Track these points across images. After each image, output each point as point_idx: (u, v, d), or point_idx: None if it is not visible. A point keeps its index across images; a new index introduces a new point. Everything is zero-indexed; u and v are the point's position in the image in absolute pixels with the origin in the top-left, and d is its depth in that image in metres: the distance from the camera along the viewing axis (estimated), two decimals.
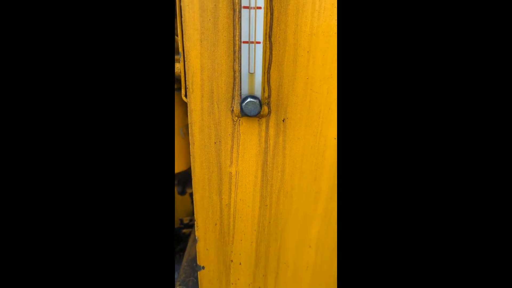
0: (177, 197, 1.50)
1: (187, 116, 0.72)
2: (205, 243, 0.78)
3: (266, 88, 0.60)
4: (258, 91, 0.58)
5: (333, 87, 0.62)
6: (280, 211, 0.74)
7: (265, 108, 0.62)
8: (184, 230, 1.52)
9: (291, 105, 0.63)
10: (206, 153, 0.66)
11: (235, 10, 0.53)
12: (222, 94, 0.60)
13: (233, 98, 0.61)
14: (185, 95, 0.63)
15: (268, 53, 0.57)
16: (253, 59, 0.54)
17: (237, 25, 0.54)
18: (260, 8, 0.51)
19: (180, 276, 1.03)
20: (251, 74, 0.56)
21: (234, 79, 0.59)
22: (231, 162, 0.68)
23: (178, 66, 0.74)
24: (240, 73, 0.56)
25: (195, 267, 1.04)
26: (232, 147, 0.66)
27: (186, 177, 1.47)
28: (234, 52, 0.56)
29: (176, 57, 0.77)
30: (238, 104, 0.59)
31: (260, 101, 0.57)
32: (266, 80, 0.59)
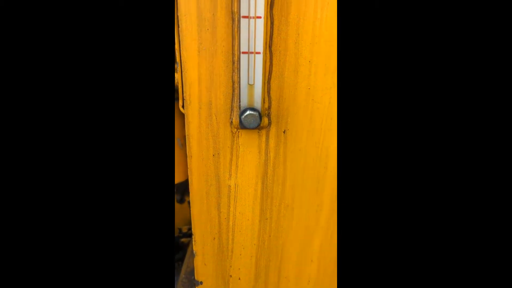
0: (176, 205, 1.48)
1: (183, 127, 0.70)
2: (203, 258, 0.75)
3: (266, 99, 0.58)
4: (258, 103, 0.56)
5: (335, 97, 0.60)
6: (281, 225, 0.72)
7: (265, 119, 0.59)
8: (183, 239, 1.49)
9: (292, 116, 0.60)
10: (204, 166, 0.64)
11: (234, 20, 0.51)
12: (220, 105, 0.58)
13: (232, 109, 0.58)
14: (183, 106, 0.61)
15: (268, 63, 0.55)
16: (253, 70, 0.52)
17: (236, 35, 0.52)
18: (260, 17, 0.49)
19: None
20: (251, 86, 0.54)
21: (233, 90, 0.57)
22: (230, 175, 0.65)
23: (176, 76, 0.72)
24: (239, 84, 0.54)
25: (193, 280, 1.02)
26: (231, 160, 0.64)
27: (185, 186, 1.44)
28: (233, 63, 0.54)
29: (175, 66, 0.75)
30: (237, 116, 0.57)
31: (259, 113, 0.55)
32: (266, 90, 0.57)
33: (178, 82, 0.62)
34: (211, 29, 0.53)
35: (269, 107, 0.59)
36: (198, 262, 0.75)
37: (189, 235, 1.51)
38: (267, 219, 0.71)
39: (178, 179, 0.92)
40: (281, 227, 0.72)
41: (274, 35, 0.54)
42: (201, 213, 0.69)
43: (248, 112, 0.54)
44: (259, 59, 0.52)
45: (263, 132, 0.62)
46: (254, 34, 0.50)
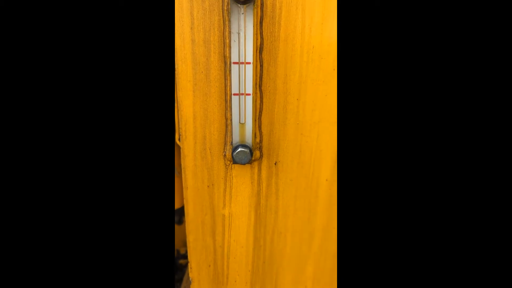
0: (175, 227, 1.49)
1: (179, 157, 0.74)
2: (199, 284, 0.76)
3: (258, 133, 0.62)
4: (249, 139, 0.59)
5: (323, 131, 0.63)
6: (275, 252, 0.73)
7: (257, 152, 0.63)
8: (181, 261, 1.50)
9: (283, 149, 0.64)
10: (199, 197, 0.67)
11: (226, 63, 0.56)
12: (214, 140, 0.62)
13: (225, 143, 0.62)
14: (179, 139, 0.65)
15: (259, 101, 0.59)
16: (244, 110, 0.56)
17: (228, 77, 0.56)
18: (249, 63, 0.53)
19: None
20: (242, 124, 0.57)
21: (226, 126, 0.60)
22: (224, 205, 0.68)
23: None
24: (232, 121, 0.58)
25: None
26: (225, 190, 0.67)
27: (183, 209, 1.46)
28: (226, 101, 0.58)
29: None
30: (230, 150, 0.61)
31: (251, 150, 0.59)
32: (257, 126, 0.61)
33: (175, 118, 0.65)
34: (205, 72, 0.57)
35: (261, 141, 0.63)
36: None
37: (187, 256, 1.52)
38: (261, 246, 0.73)
39: (176, 205, 0.94)
40: (275, 254, 0.74)
41: (264, 76, 0.58)
42: (196, 241, 0.71)
43: (239, 149, 0.57)
44: (249, 100, 0.56)
45: (256, 164, 0.65)
46: (244, 77, 0.54)
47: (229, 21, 0.53)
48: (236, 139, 0.59)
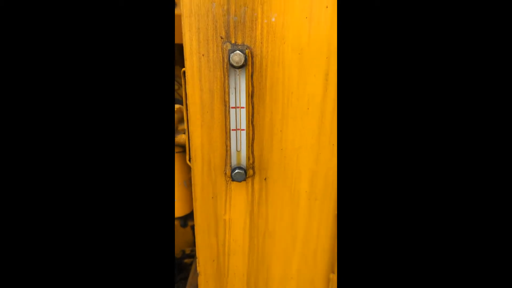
0: (180, 229, 1.66)
1: (187, 172, 0.91)
2: (205, 276, 0.94)
3: (251, 157, 0.80)
4: (243, 162, 0.77)
5: (301, 154, 0.81)
6: (266, 250, 0.91)
7: (251, 171, 0.81)
8: (186, 260, 1.67)
9: (270, 168, 0.82)
10: (205, 206, 0.85)
11: (226, 106, 0.74)
12: (217, 162, 0.80)
13: (225, 165, 0.80)
14: (189, 160, 0.83)
15: (251, 133, 0.77)
16: (239, 141, 0.74)
17: (227, 117, 0.74)
18: (243, 107, 0.72)
19: None
20: (238, 151, 0.75)
21: (226, 152, 0.78)
22: (225, 211, 0.86)
23: (183, 137, 0.94)
24: (230, 149, 0.76)
25: None
26: (225, 200, 0.85)
27: (187, 215, 1.64)
28: (226, 134, 0.77)
29: (180, 126, 0.97)
30: (229, 171, 0.79)
31: (245, 171, 0.77)
32: (250, 151, 0.79)
33: (185, 141, 0.83)
34: (210, 112, 0.75)
35: (253, 162, 0.81)
36: (201, 280, 0.94)
37: (192, 256, 1.69)
38: (254, 245, 0.90)
39: (183, 212, 1.12)
40: (266, 252, 0.91)
41: (255, 114, 0.76)
42: (203, 240, 0.89)
43: (236, 171, 0.75)
44: (244, 134, 0.74)
45: (249, 180, 0.83)
46: (239, 118, 0.72)
47: (228, 76, 0.71)
48: (234, 162, 0.77)
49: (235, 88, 0.72)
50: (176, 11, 0.82)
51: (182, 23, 0.70)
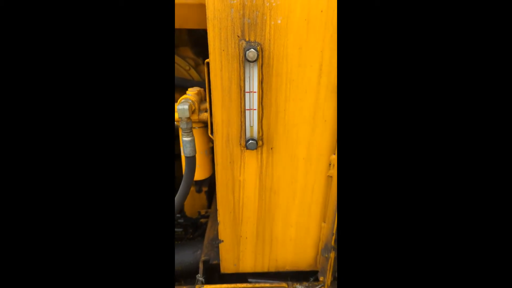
0: (195, 194, 1.93)
1: (208, 143, 1.14)
2: (224, 225, 1.20)
3: (260, 131, 1.01)
4: (255, 135, 0.99)
5: (300, 129, 1.03)
6: (272, 203, 1.16)
7: (260, 141, 1.03)
8: (202, 220, 1.96)
9: (276, 140, 1.04)
10: (225, 169, 1.08)
11: (241, 90, 0.94)
12: (234, 135, 1.02)
13: (240, 137, 1.02)
14: (211, 134, 1.05)
15: (261, 111, 0.99)
16: (252, 118, 0.96)
17: (242, 99, 0.95)
18: (255, 92, 0.92)
19: (203, 251, 1.46)
20: (251, 126, 0.97)
21: (241, 127, 1.00)
22: (240, 174, 1.10)
23: (205, 115, 1.15)
24: (245, 125, 0.98)
25: (214, 244, 1.47)
26: (240, 165, 1.08)
27: (202, 180, 1.89)
28: (241, 113, 0.98)
29: (202, 106, 1.18)
30: (244, 141, 1.01)
31: (256, 141, 0.99)
32: (260, 126, 1.01)
33: (207, 119, 1.05)
34: (228, 96, 0.96)
35: (262, 135, 1.03)
36: (221, 228, 1.20)
37: (206, 216, 1.97)
38: (263, 200, 1.15)
39: (204, 176, 1.36)
40: (271, 205, 1.16)
41: (264, 97, 0.97)
42: (222, 197, 1.14)
43: (250, 141, 0.98)
44: (255, 113, 0.95)
45: (259, 149, 1.05)
46: (252, 100, 0.93)
47: (244, 67, 0.91)
48: (247, 135, 0.99)
49: (249, 77, 0.92)
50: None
51: (207, 25, 0.88)
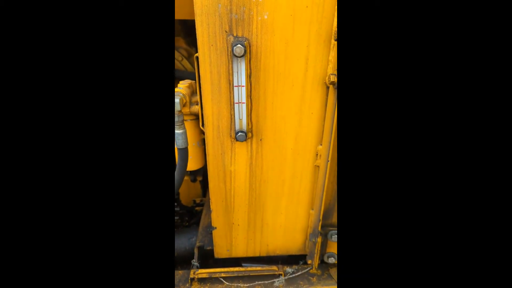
0: (190, 184, 1.98)
1: (199, 134, 1.18)
2: (216, 213, 1.26)
3: (249, 123, 1.05)
4: (244, 127, 1.03)
5: (288, 121, 1.07)
6: (262, 192, 1.21)
7: (249, 133, 1.07)
8: (197, 208, 2.02)
9: (264, 131, 1.08)
10: (216, 160, 1.13)
11: (230, 84, 0.98)
12: (224, 127, 1.06)
13: (231, 129, 1.06)
14: (202, 126, 1.09)
15: (249, 105, 1.02)
16: (241, 111, 1.00)
17: (231, 93, 0.98)
18: (243, 86, 0.96)
19: (198, 238, 1.53)
20: (240, 119, 1.01)
21: (231, 120, 1.04)
22: (231, 164, 1.14)
23: (197, 107, 1.19)
24: (234, 117, 1.02)
25: (208, 230, 1.53)
26: (231, 156, 1.12)
27: (196, 170, 1.94)
28: (230, 105, 1.01)
29: (193, 98, 1.21)
30: (234, 133, 1.05)
31: (246, 133, 1.03)
32: (249, 119, 1.05)
33: (198, 111, 1.08)
34: (218, 89, 0.99)
35: (251, 127, 1.07)
36: (214, 215, 1.26)
37: (201, 205, 2.03)
38: (253, 189, 1.20)
39: (196, 167, 1.40)
40: (262, 194, 1.22)
41: (252, 91, 1.00)
42: (215, 186, 1.19)
43: (239, 133, 1.02)
44: (244, 106, 0.99)
45: (249, 140, 1.09)
46: (241, 93, 0.97)
47: (232, 62, 0.94)
48: (237, 127, 1.03)
49: (237, 71, 0.95)
50: None
51: (195, 20, 0.91)
